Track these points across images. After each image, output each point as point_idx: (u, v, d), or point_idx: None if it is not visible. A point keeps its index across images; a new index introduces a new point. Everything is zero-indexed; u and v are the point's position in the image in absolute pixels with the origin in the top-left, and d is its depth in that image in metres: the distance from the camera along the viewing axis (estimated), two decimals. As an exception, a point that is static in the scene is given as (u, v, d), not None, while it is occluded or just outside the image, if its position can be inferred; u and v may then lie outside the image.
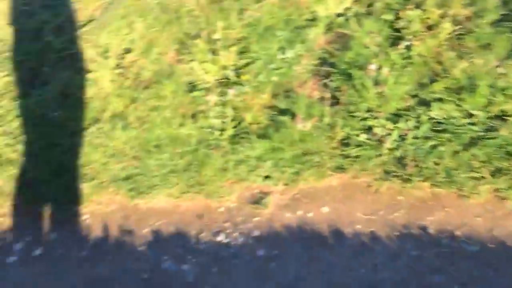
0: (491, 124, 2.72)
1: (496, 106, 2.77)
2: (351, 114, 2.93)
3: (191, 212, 2.83)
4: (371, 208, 2.70)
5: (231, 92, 3.15)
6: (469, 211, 2.59)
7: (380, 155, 2.76)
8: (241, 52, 3.33)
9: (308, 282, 2.38)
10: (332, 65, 3.17)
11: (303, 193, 2.80)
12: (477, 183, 2.60)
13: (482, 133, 2.71)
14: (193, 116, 3.12)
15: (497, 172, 2.59)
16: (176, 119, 3.12)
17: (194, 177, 2.89)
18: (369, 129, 2.85)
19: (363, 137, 2.83)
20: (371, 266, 2.43)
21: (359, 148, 2.82)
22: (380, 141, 2.80)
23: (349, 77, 3.03)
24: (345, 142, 2.87)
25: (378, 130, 2.82)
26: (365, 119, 2.87)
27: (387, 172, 2.74)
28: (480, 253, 2.42)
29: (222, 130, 3.02)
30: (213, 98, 3.14)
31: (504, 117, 2.70)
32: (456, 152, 2.70)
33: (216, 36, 3.39)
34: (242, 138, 2.98)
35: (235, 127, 3.03)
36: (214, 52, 3.30)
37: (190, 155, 2.95)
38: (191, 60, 3.33)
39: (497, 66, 2.90)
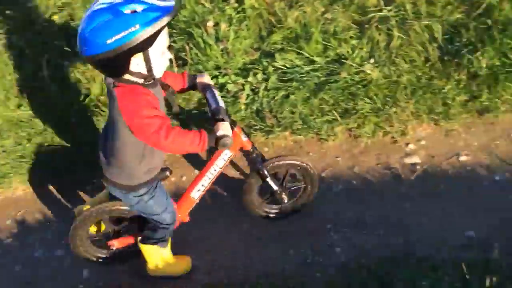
0: (332, 69, 2.83)
1: (332, 50, 2.88)
2: (200, 73, 2.72)
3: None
4: (240, 163, 2.59)
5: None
6: (329, 153, 2.66)
7: (238, 110, 2.62)
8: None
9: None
10: (170, 25, 2.87)
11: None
12: (331, 126, 2.68)
13: (325, 78, 2.80)
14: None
15: (346, 113, 2.71)
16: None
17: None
18: (222, 87, 2.68)
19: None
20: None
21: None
22: (235, 97, 2.66)
23: (190, 36, 2.78)
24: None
25: (230, 87, 2.68)
26: (216, 77, 2.68)
27: (249, 127, 2.62)
28: (346, 190, 2.51)
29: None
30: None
31: (341, 61, 2.83)
32: (306, 99, 2.73)
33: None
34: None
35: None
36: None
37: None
38: None
39: (324, 13, 3.03)
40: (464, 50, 2.74)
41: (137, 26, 1.48)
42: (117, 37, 1.49)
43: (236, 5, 3.01)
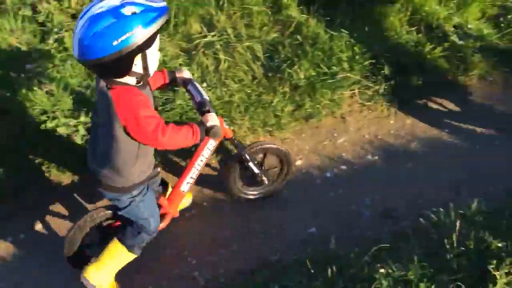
0: (166, 97, 2.87)
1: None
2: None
3: None
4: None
5: None
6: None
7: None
8: None
9: None
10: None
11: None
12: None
13: (161, 107, 2.84)
14: None
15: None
16: None
17: None
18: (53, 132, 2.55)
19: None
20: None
21: None
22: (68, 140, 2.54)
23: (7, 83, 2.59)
24: None
25: (61, 130, 2.55)
26: (44, 122, 2.53)
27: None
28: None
29: None
30: None
31: (175, 89, 2.89)
32: None
33: None
34: None
35: None
36: None
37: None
38: None
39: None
40: (283, 65, 3.01)
41: (140, 26, 1.56)
42: (123, 38, 1.54)
43: (56, 44, 2.88)
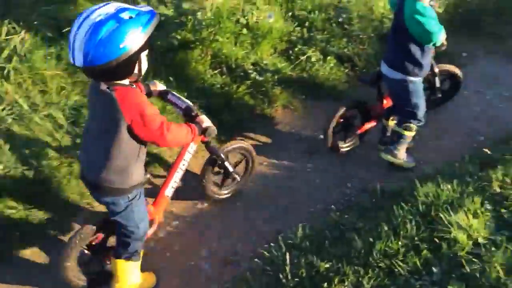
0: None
1: None
2: None
3: None
4: None
5: None
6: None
7: None
8: None
9: None
10: None
11: None
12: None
13: None
14: None
15: None
16: None
17: None
18: None
19: None
20: None
21: None
22: None
23: None
24: None
25: None
26: None
27: None
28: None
29: None
30: None
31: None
32: None
33: None
34: None
35: None
36: None
37: None
38: None
39: None
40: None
41: (140, 28, 1.69)
42: (128, 40, 1.66)
43: None
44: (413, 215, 2.33)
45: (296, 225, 2.42)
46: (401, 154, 2.98)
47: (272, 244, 2.31)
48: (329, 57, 3.77)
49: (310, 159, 3.14)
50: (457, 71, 3.27)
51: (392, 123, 3.00)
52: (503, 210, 2.32)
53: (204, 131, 2.16)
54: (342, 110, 2.98)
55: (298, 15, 4.01)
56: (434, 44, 2.65)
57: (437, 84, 3.08)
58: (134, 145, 1.87)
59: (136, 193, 2.02)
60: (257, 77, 3.50)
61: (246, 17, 3.73)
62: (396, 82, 2.78)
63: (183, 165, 2.37)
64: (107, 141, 1.84)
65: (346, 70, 3.80)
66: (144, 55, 1.80)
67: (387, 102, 3.04)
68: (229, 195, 2.81)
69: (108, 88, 1.77)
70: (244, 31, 3.69)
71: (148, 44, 1.76)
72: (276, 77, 3.57)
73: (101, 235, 2.22)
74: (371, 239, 2.21)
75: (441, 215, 2.28)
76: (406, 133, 2.91)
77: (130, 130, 1.80)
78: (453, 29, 4.23)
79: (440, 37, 2.62)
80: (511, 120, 3.38)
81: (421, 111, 2.86)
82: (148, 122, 1.80)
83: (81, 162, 2.08)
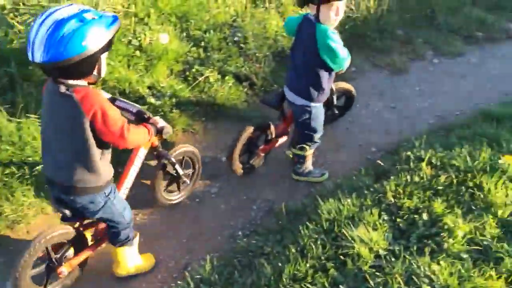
0: None
1: None
2: None
3: None
4: None
5: None
6: None
7: None
8: None
9: None
10: None
11: None
12: None
13: None
14: None
15: None
16: None
17: None
18: None
19: None
20: None
21: None
22: None
23: None
24: None
25: None
26: None
27: None
28: None
29: None
30: None
31: None
32: None
33: None
34: None
35: None
36: None
37: None
38: None
39: None
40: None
41: (103, 29, 1.79)
42: (90, 38, 1.75)
43: None
44: (318, 234, 2.37)
45: (203, 257, 2.33)
46: (313, 173, 3.09)
47: (179, 282, 2.20)
48: (227, 77, 3.75)
49: (214, 183, 3.07)
50: (351, 88, 3.46)
51: (292, 151, 3.07)
52: (398, 220, 2.44)
53: (160, 131, 2.25)
54: (247, 132, 2.96)
55: (193, 35, 3.94)
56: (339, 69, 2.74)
57: (335, 101, 3.21)
58: (98, 145, 1.93)
59: (111, 188, 2.12)
60: (154, 101, 3.36)
61: (138, 39, 3.58)
62: (299, 107, 2.85)
63: (134, 170, 2.40)
64: (74, 142, 1.89)
65: (245, 89, 3.81)
66: (104, 57, 1.88)
67: (289, 122, 3.10)
68: (180, 199, 2.86)
69: (67, 90, 1.82)
70: (138, 53, 3.54)
71: (109, 47, 1.86)
72: (174, 100, 3.46)
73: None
74: (279, 264, 2.20)
75: (344, 231, 2.34)
76: (302, 152, 3.01)
77: (92, 130, 1.86)
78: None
79: (348, 62, 2.74)
80: (398, 131, 3.62)
81: (319, 134, 2.98)
82: (109, 123, 1.85)
83: (45, 168, 2.07)
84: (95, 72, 1.87)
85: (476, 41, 4.86)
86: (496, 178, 2.65)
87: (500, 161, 2.79)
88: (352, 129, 3.63)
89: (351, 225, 2.38)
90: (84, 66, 1.80)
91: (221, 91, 3.66)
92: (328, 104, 3.12)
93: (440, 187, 2.64)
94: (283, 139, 3.16)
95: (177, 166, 2.63)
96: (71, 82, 1.84)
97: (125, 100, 2.33)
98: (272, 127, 3.08)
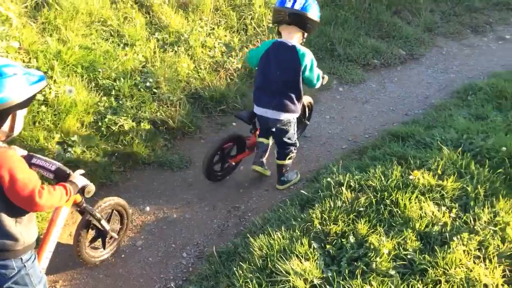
0: None
1: None
2: None
3: None
4: None
5: None
6: None
7: None
8: None
9: None
10: None
11: None
12: None
13: None
14: None
15: None
16: None
17: None
18: None
19: None
20: None
21: None
22: None
23: None
24: None
25: None
26: None
27: None
28: None
29: None
30: None
31: None
32: None
33: None
34: None
35: None
36: None
37: None
38: None
39: None
40: None
41: (25, 84, 1.77)
42: (7, 92, 1.71)
43: None
44: (253, 272, 2.35)
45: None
46: (292, 176, 3.42)
47: None
48: (142, 124, 3.68)
49: (139, 235, 2.95)
50: (311, 100, 3.87)
51: (279, 163, 3.35)
52: (328, 246, 2.50)
53: (82, 190, 2.15)
54: (220, 143, 3.25)
55: (102, 84, 3.84)
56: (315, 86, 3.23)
57: (307, 113, 3.75)
58: (14, 209, 1.81)
59: (31, 255, 1.94)
60: (66, 156, 3.19)
61: (43, 93, 3.41)
62: (282, 121, 3.14)
63: (57, 231, 2.22)
64: None
65: (162, 134, 3.75)
66: (21, 114, 1.83)
67: (258, 135, 3.38)
68: (109, 255, 2.70)
69: None
70: (43, 108, 3.36)
71: (27, 104, 1.82)
72: (88, 153, 3.31)
73: None
74: (216, 312, 2.14)
75: (278, 265, 2.34)
76: (289, 161, 3.34)
77: (2, 194, 1.76)
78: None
79: (321, 82, 3.25)
80: (316, 159, 3.76)
81: (295, 138, 3.35)
82: (18, 187, 1.75)
83: None
84: (4, 128, 1.79)
85: (374, 68, 5.26)
86: (409, 193, 2.83)
87: (410, 177, 2.99)
88: (273, 160, 3.70)
89: (284, 259, 2.39)
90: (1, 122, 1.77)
91: (137, 138, 3.58)
92: (302, 116, 3.54)
93: (361, 209, 2.76)
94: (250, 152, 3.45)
95: (103, 222, 2.50)
96: None
97: (43, 157, 2.17)
98: (244, 140, 3.39)
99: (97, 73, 3.86)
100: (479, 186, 2.92)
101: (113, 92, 3.82)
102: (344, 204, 2.81)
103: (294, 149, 3.34)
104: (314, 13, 3.00)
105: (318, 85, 3.22)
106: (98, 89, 3.81)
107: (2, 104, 1.71)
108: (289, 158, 3.33)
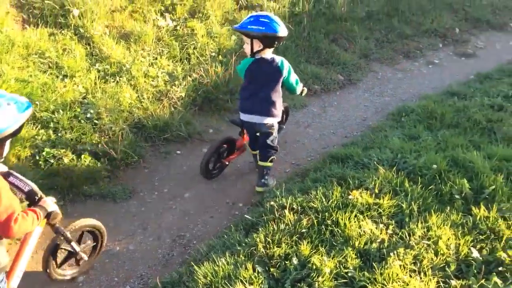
0: None
1: None
2: None
3: None
4: None
5: None
6: None
7: None
8: None
9: None
10: None
11: None
12: None
13: None
14: None
15: None
16: None
17: None
18: None
19: None
20: None
21: None
22: None
23: None
24: None
25: None
26: None
27: None
28: None
29: None
30: None
31: None
32: None
33: None
34: None
35: None
36: None
37: None
38: None
39: None
40: None
41: (17, 114, 1.92)
42: (8, 121, 1.88)
43: None
44: (197, 302, 2.34)
45: None
46: (270, 181, 3.68)
47: None
48: (83, 156, 3.60)
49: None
50: (287, 104, 4.36)
51: (263, 164, 3.64)
52: (272, 269, 2.54)
53: (48, 215, 2.22)
54: (217, 146, 3.71)
55: (40, 117, 3.74)
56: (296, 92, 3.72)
57: (284, 119, 4.21)
58: None
59: (2, 277, 2.05)
60: (1, 192, 3.05)
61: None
62: (266, 125, 3.54)
63: (29, 250, 2.30)
64: None
65: (104, 165, 3.69)
66: (8, 141, 1.97)
67: (246, 138, 3.85)
68: (75, 275, 2.77)
69: None
70: (-25, 143, 3.22)
71: (20, 131, 1.96)
72: (25, 188, 3.19)
73: None
74: None
75: (222, 293, 2.35)
76: (271, 164, 3.64)
77: None
78: (197, 109, 4.68)
79: (301, 87, 3.73)
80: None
81: (276, 141, 3.69)
82: None
83: None
84: None
85: (315, 93, 5.46)
86: (349, 213, 2.94)
87: (350, 197, 3.11)
88: (218, 187, 3.73)
89: (229, 285, 2.40)
90: None
91: (77, 171, 3.50)
92: (281, 121, 3.91)
93: (304, 230, 2.83)
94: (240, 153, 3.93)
95: (73, 243, 2.56)
96: None
97: (19, 176, 2.27)
98: (235, 142, 3.83)
99: (34, 106, 3.76)
100: (413, 203, 3.09)
101: (51, 125, 3.73)
102: (287, 227, 2.87)
103: (275, 152, 3.68)
104: (283, 30, 3.37)
105: (298, 90, 3.69)
106: (36, 122, 3.71)
107: (6, 131, 1.88)
108: (271, 161, 3.65)
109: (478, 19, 7.76)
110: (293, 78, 3.59)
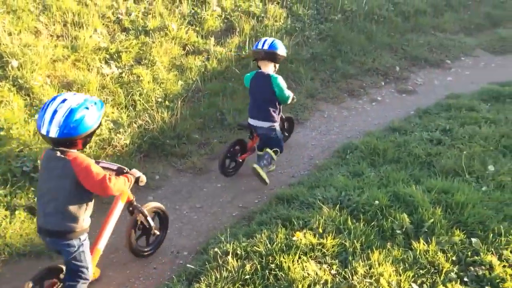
0: None
1: None
2: None
3: None
4: None
5: None
6: None
7: None
8: None
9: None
10: None
11: None
12: None
13: None
14: None
15: None
16: None
17: None
18: None
19: None
20: None
21: None
22: None
23: None
24: None
25: None
26: None
27: None
28: None
29: None
30: None
31: None
32: None
33: None
34: None
35: None
36: None
37: None
38: None
39: None
40: None
41: (98, 112, 2.56)
42: (95, 120, 2.55)
43: None
44: None
45: None
46: (270, 166, 4.48)
47: None
48: (17, 212, 3.44)
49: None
50: (291, 116, 5.24)
51: (266, 150, 4.39)
52: (213, 321, 2.45)
53: (137, 180, 2.89)
54: (229, 147, 4.45)
55: (-28, 173, 3.57)
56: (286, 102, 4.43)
57: (285, 126, 5.02)
58: (82, 198, 2.54)
59: (85, 237, 2.63)
60: None
61: None
62: (267, 128, 4.35)
63: (114, 220, 2.96)
64: (62, 196, 2.48)
65: (42, 220, 3.52)
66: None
67: (256, 140, 4.59)
68: (152, 251, 3.36)
69: (62, 154, 2.48)
70: None
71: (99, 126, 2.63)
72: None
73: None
74: None
75: None
76: (274, 154, 4.41)
77: (80, 185, 2.47)
78: (143, 156, 4.61)
79: (291, 99, 4.42)
80: (207, 229, 3.75)
81: (283, 145, 4.55)
82: (93, 176, 2.47)
83: (39, 219, 2.58)
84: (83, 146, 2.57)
85: (263, 134, 5.52)
86: (292, 255, 2.92)
87: (294, 238, 3.10)
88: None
89: None
90: (85, 140, 2.55)
91: (11, 228, 3.32)
92: (282, 128, 4.71)
93: (247, 276, 2.78)
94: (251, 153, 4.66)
95: (148, 218, 3.19)
96: (65, 149, 2.49)
97: (106, 162, 3.02)
98: (246, 143, 4.60)
99: (-34, 161, 3.61)
100: (355, 241, 3.11)
101: (-16, 180, 3.57)
102: (230, 274, 2.82)
103: (278, 150, 4.44)
104: (281, 50, 4.31)
105: (289, 101, 4.40)
106: (-33, 177, 3.54)
107: (90, 130, 2.52)
108: (274, 152, 4.40)
109: (416, 57, 8.17)
110: (286, 92, 4.30)
